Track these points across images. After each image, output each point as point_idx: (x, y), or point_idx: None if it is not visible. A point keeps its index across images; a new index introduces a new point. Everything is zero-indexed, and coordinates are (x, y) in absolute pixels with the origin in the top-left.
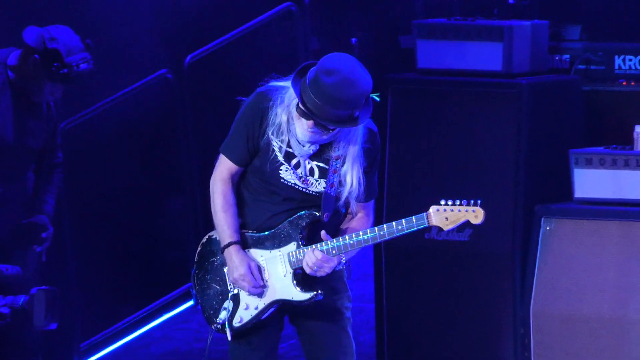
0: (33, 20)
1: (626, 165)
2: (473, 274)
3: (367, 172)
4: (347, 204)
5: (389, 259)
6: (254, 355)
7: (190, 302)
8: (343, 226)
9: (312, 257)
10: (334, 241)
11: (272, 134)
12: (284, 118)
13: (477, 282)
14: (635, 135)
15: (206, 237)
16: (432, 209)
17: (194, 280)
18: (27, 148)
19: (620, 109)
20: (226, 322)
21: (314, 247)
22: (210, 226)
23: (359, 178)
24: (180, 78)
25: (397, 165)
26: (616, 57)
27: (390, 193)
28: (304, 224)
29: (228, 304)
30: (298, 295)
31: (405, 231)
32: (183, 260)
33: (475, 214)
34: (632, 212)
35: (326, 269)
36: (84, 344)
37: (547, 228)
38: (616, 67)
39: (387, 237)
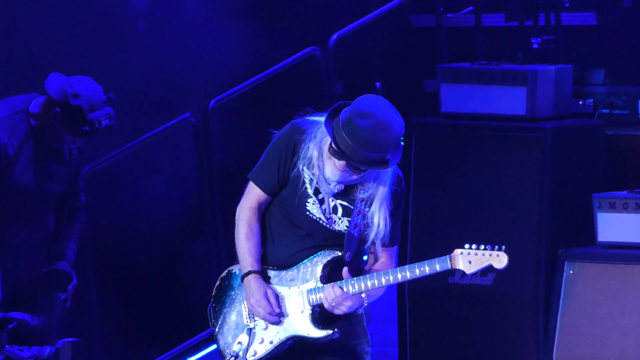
0: (54, 63)
1: None
2: (496, 318)
3: (393, 215)
4: (370, 247)
5: (413, 302)
6: None
7: (214, 346)
8: (365, 268)
9: (332, 292)
10: (355, 279)
11: (304, 166)
12: (315, 153)
13: (500, 326)
14: None
15: (226, 271)
16: (456, 252)
17: (211, 314)
18: (49, 193)
19: None
20: (240, 355)
21: (333, 283)
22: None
23: (386, 219)
24: (204, 122)
25: (421, 210)
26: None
27: (414, 237)
28: (325, 261)
29: (243, 338)
30: (314, 332)
31: (428, 273)
32: (207, 303)
33: (499, 259)
34: None
35: (344, 308)
36: None
37: (571, 272)
38: None
39: (408, 278)
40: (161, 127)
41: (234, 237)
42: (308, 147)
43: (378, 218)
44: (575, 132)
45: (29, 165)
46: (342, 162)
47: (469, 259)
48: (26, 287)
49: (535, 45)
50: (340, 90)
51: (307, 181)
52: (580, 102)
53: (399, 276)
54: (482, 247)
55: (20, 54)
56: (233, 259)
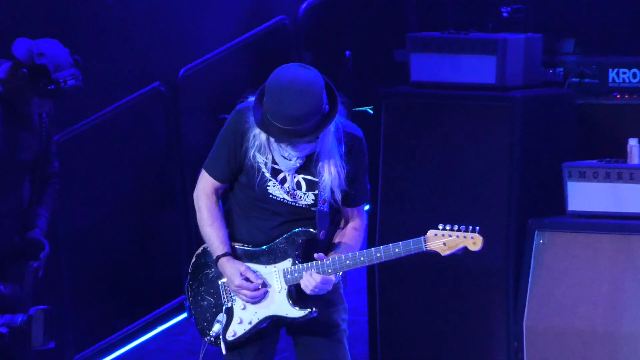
0: (23, 32)
1: (619, 178)
2: (466, 288)
3: (355, 175)
4: (338, 211)
5: (383, 272)
6: None
7: (184, 315)
8: (335, 239)
9: (311, 280)
10: (330, 261)
11: (256, 152)
12: (263, 137)
13: (470, 295)
14: (628, 149)
15: (201, 248)
16: (430, 233)
17: (188, 292)
18: (20, 161)
19: (614, 122)
20: (219, 335)
21: (311, 269)
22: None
23: (337, 167)
24: (173, 91)
25: (390, 179)
26: (610, 70)
27: (383, 206)
28: (300, 240)
29: (222, 317)
30: (292, 312)
31: (402, 255)
32: (176, 273)
33: (473, 241)
34: (625, 225)
35: (327, 288)
36: (78, 357)
37: (541, 241)
38: (610, 80)
39: (383, 260)
40: (130, 96)
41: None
42: (254, 135)
43: (328, 166)
44: (545, 101)
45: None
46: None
47: (443, 241)
48: None
49: (504, 14)
50: (310, 60)
51: (262, 166)
52: (550, 72)
53: (374, 258)
54: (456, 227)
55: None
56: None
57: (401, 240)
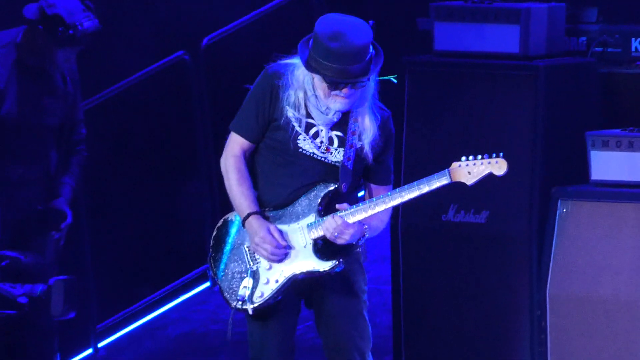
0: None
1: None
2: (490, 256)
3: (382, 154)
4: (364, 183)
5: (406, 241)
6: (273, 337)
7: (207, 284)
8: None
9: (332, 222)
10: (354, 207)
11: (289, 109)
12: (300, 94)
13: (493, 264)
14: None
15: (221, 220)
16: (454, 165)
17: (211, 264)
18: (45, 127)
19: (637, 91)
20: (246, 298)
21: (333, 214)
22: (227, 208)
23: (372, 122)
24: (197, 60)
25: (414, 148)
26: (633, 39)
27: (406, 176)
28: (322, 194)
29: (248, 282)
30: (319, 264)
31: (428, 190)
32: (200, 242)
33: (498, 165)
34: None
35: (346, 237)
36: (101, 326)
37: (564, 210)
38: (633, 49)
39: (407, 198)
40: (155, 64)
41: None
42: (289, 93)
43: (362, 121)
44: (568, 70)
45: (22, 99)
46: (345, 89)
47: (467, 170)
48: (21, 225)
49: None
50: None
51: (295, 123)
52: (574, 40)
53: (398, 198)
54: (480, 156)
55: None
56: (226, 197)
57: (422, 212)
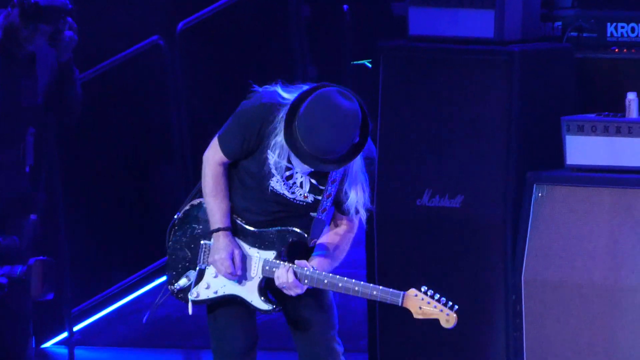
0: None
1: (618, 132)
2: (465, 241)
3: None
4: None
5: (381, 225)
6: (236, 326)
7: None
8: (323, 239)
9: (285, 276)
10: (310, 271)
11: (271, 150)
12: (285, 145)
13: (468, 248)
14: (627, 103)
15: (198, 200)
16: (411, 292)
17: (169, 234)
18: (23, 109)
19: (612, 77)
20: (183, 290)
21: (290, 265)
22: (201, 194)
23: (364, 187)
24: (172, 45)
25: (389, 134)
26: (608, 24)
27: (381, 163)
28: (290, 240)
29: (192, 275)
30: (258, 302)
31: (377, 299)
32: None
33: (447, 319)
34: (623, 179)
35: (292, 292)
36: (75, 310)
37: (539, 195)
38: (608, 34)
39: (359, 295)
40: (129, 49)
41: (201, 161)
42: (277, 134)
43: (355, 190)
44: (543, 56)
45: None
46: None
47: (419, 305)
48: None
49: None
50: (308, 14)
51: (271, 163)
52: (549, 26)
53: (351, 290)
54: (437, 296)
55: None
56: (199, 182)
57: (397, 196)
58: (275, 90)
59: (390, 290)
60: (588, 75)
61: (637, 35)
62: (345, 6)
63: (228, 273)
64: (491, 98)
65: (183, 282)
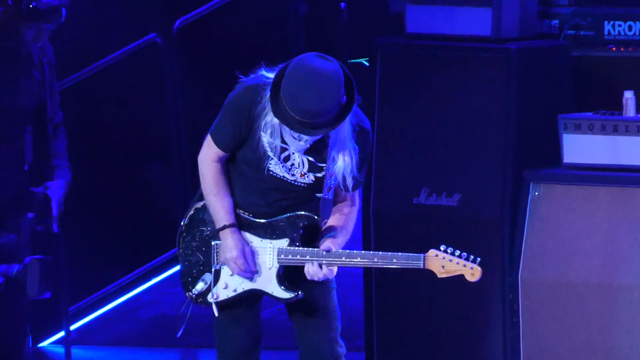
0: None
1: (615, 130)
2: (461, 239)
3: (361, 165)
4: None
5: (378, 223)
6: (239, 325)
7: (178, 267)
8: (331, 221)
9: (314, 269)
10: (332, 254)
11: (263, 130)
12: (275, 121)
13: (465, 247)
14: (624, 101)
15: (201, 203)
16: (431, 252)
17: (179, 243)
18: (20, 108)
19: (610, 75)
20: (200, 294)
21: (307, 254)
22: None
23: (351, 155)
24: (169, 42)
25: (386, 131)
26: (605, 22)
27: (379, 160)
28: (301, 224)
29: (208, 277)
30: (278, 291)
31: (398, 266)
32: (171, 224)
33: (472, 272)
34: (621, 178)
35: (321, 276)
36: (72, 308)
37: (536, 193)
38: (605, 32)
39: (379, 265)
40: (126, 47)
41: (196, 160)
42: (267, 114)
43: (342, 157)
44: (540, 53)
45: None
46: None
47: (442, 264)
48: None
49: None
50: (305, 12)
51: (266, 144)
52: (546, 23)
53: (370, 262)
54: (458, 252)
55: None
56: (197, 180)
57: (394, 195)
58: (259, 72)
59: (410, 254)
60: (585, 74)
61: (634, 34)
62: (342, 4)
63: (242, 270)
64: (488, 96)
65: (200, 286)
